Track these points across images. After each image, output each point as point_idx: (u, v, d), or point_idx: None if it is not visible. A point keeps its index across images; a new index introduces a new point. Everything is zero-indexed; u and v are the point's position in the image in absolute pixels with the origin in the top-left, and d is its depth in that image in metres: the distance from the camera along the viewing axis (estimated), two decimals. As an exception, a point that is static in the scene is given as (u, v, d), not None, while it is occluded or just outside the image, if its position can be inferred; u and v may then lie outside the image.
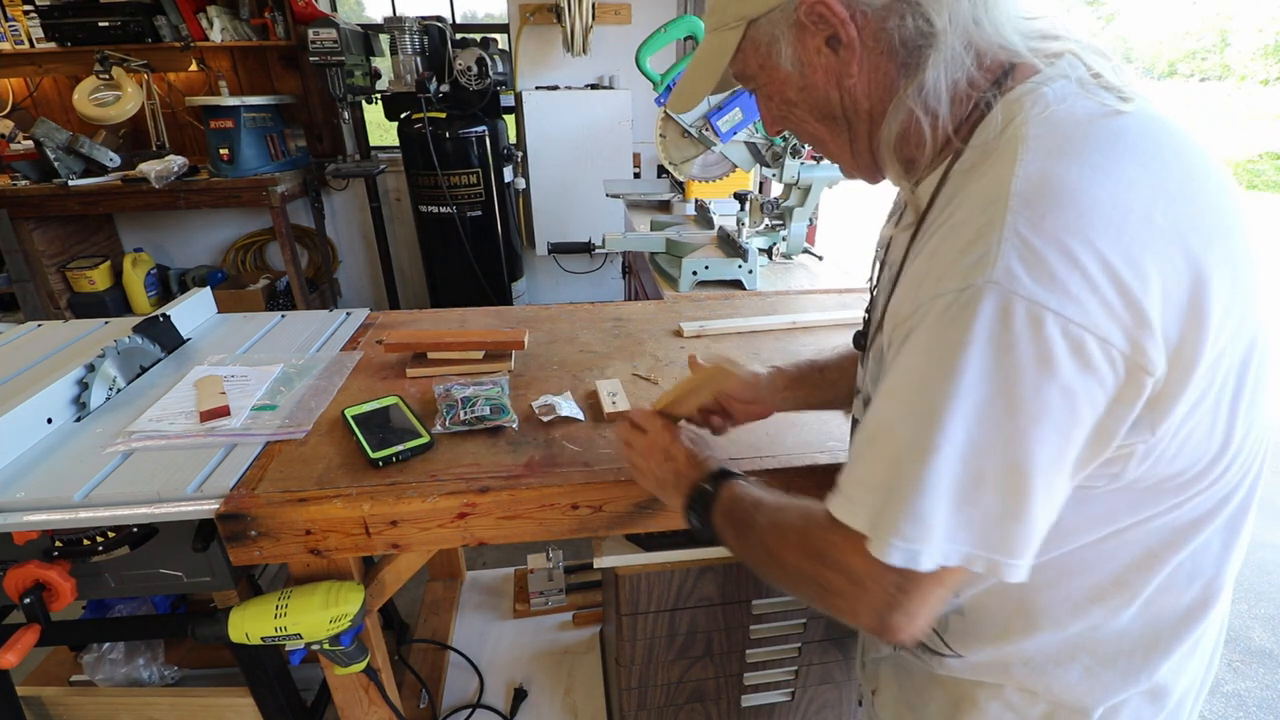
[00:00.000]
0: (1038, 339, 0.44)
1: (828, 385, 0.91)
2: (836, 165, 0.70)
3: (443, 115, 3.23)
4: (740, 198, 1.91)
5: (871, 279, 0.75)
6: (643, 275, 2.27)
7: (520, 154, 3.62)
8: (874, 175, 0.67)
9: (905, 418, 0.50)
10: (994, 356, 0.45)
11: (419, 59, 3.22)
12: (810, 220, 1.95)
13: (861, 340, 0.75)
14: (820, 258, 1.94)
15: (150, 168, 3.09)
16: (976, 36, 0.53)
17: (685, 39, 1.91)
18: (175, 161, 3.17)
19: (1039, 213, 0.45)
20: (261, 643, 0.90)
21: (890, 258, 0.67)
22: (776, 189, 1.98)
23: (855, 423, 0.80)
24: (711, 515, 0.72)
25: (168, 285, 3.73)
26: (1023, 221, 0.45)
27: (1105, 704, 0.64)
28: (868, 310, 0.76)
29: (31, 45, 3.28)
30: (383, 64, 3.48)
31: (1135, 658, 0.62)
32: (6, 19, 3.22)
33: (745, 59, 0.63)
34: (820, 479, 0.94)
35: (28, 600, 0.84)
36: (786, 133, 1.74)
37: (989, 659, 0.66)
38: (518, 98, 3.51)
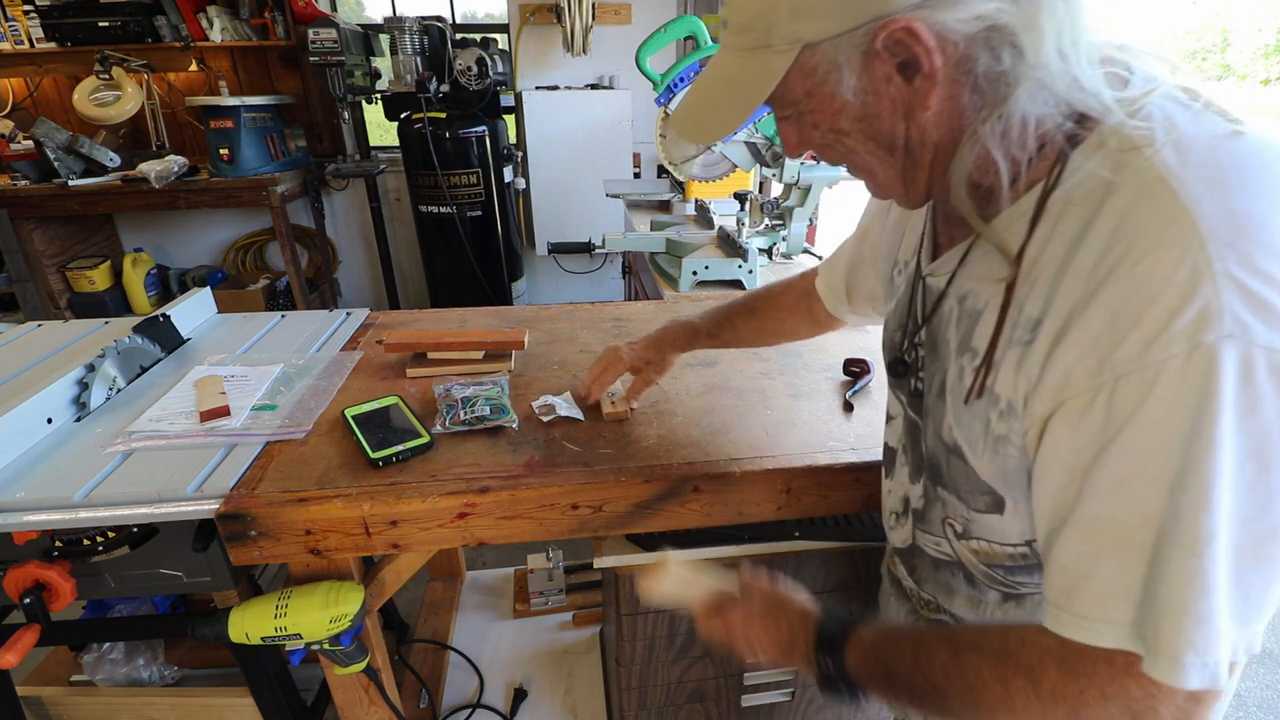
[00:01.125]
0: None
1: (720, 343, 1.06)
2: (872, 187, 0.63)
3: (443, 115, 3.23)
4: (740, 198, 1.91)
5: (916, 307, 0.69)
6: (643, 275, 2.27)
7: (520, 154, 3.62)
8: (919, 203, 0.62)
9: (1161, 509, 0.44)
10: (1241, 417, 0.41)
11: (419, 59, 3.22)
12: (810, 220, 1.94)
13: (901, 367, 0.71)
14: (820, 258, 1.94)
15: (150, 168, 3.09)
16: (1060, 72, 0.48)
17: (685, 39, 1.91)
18: (175, 161, 3.17)
19: (1245, 253, 0.42)
20: (261, 643, 0.90)
21: (960, 289, 0.61)
22: (776, 189, 1.98)
23: (890, 450, 0.77)
24: (858, 687, 0.63)
25: (168, 285, 3.73)
26: (1233, 264, 0.41)
27: None
28: (916, 342, 0.69)
29: (31, 45, 3.28)
30: (383, 64, 3.48)
31: None
32: (6, 19, 3.22)
33: (789, 85, 0.55)
34: (821, 478, 0.94)
35: (28, 600, 0.84)
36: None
37: None
38: (518, 98, 3.51)
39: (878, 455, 0.87)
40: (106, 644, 1.23)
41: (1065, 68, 0.48)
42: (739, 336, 1.04)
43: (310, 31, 3.09)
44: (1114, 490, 0.46)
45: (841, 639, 0.63)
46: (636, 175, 3.82)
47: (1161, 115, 0.48)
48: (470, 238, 3.46)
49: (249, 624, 0.89)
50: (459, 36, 3.34)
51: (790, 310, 1.03)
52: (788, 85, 0.55)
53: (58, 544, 0.87)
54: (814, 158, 1.78)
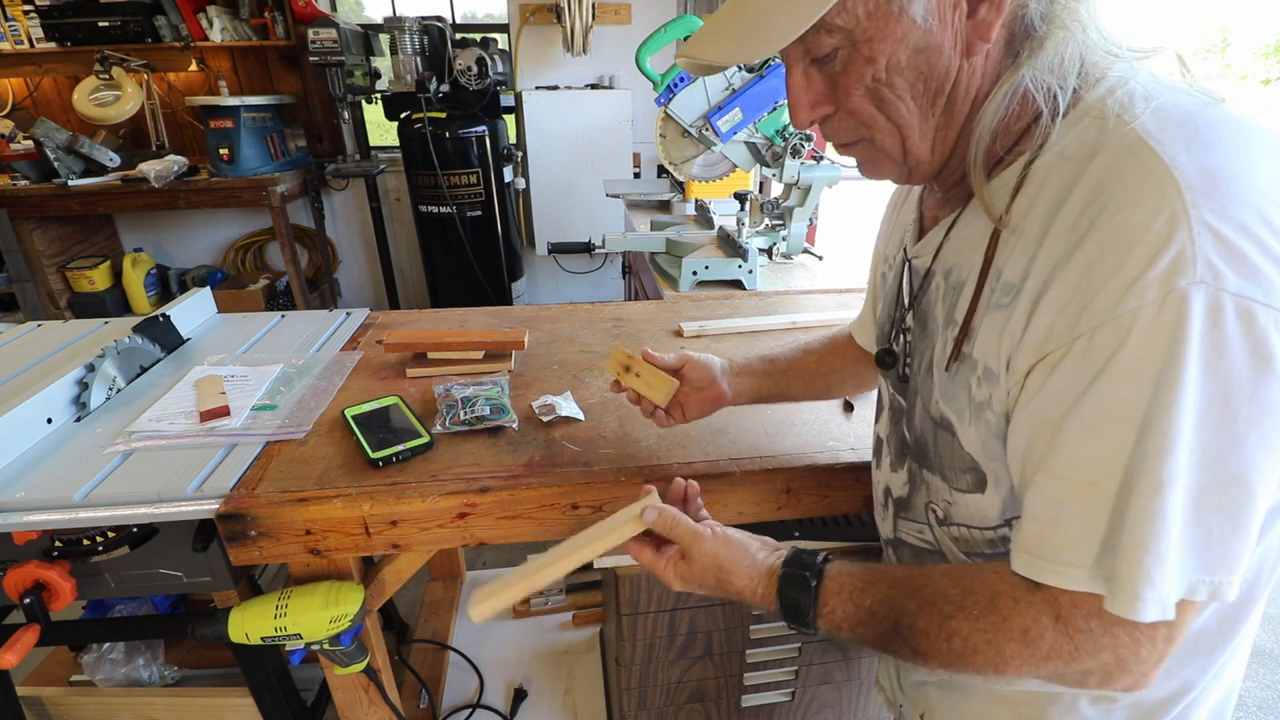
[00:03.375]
0: (1251, 336, 0.42)
1: (778, 376, 0.93)
2: (878, 158, 0.59)
3: (443, 115, 3.23)
4: (740, 198, 1.91)
5: (903, 291, 0.69)
6: (643, 275, 2.27)
7: (520, 154, 3.62)
8: (933, 172, 0.59)
9: (1128, 454, 0.45)
10: (1208, 362, 0.42)
11: (419, 59, 3.22)
12: (810, 220, 1.94)
13: (889, 358, 0.70)
14: (820, 258, 1.94)
15: (150, 168, 3.09)
16: (1080, 30, 0.50)
17: (685, 39, 1.91)
18: (175, 161, 3.17)
19: (1220, 203, 0.42)
20: (261, 643, 0.90)
21: (945, 263, 0.61)
22: (776, 189, 1.98)
23: (877, 441, 0.78)
24: (819, 627, 0.61)
25: (168, 285, 3.73)
26: (1208, 213, 0.42)
27: (1184, 700, 0.62)
28: (899, 323, 0.69)
29: (31, 45, 3.28)
30: (383, 64, 3.48)
31: (1215, 650, 0.60)
32: (6, 19, 3.22)
33: (849, 2, 0.49)
34: (821, 478, 0.94)
35: (28, 600, 0.84)
36: (789, 131, 1.75)
37: None
38: (518, 98, 3.51)
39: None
40: (106, 644, 1.23)
41: (1084, 28, 0.50)
42: (799, 371, 0.95)
43: (310, 31, 3.09)
44: (1086, 436, 0.47)
45: (812, 613, 0.60)
46: (636, 175, 3.82)
47: (1142, 90, 0.49)
48: (470, 238, 3.46)
49: (249, 624, 0.89)
50: (459, 36, 3.34)
51: (848, 345, 0.96)
52: (847, 2, 0.49)
53: (58, 544, 0.87)
54: (815, 156, 1.78)
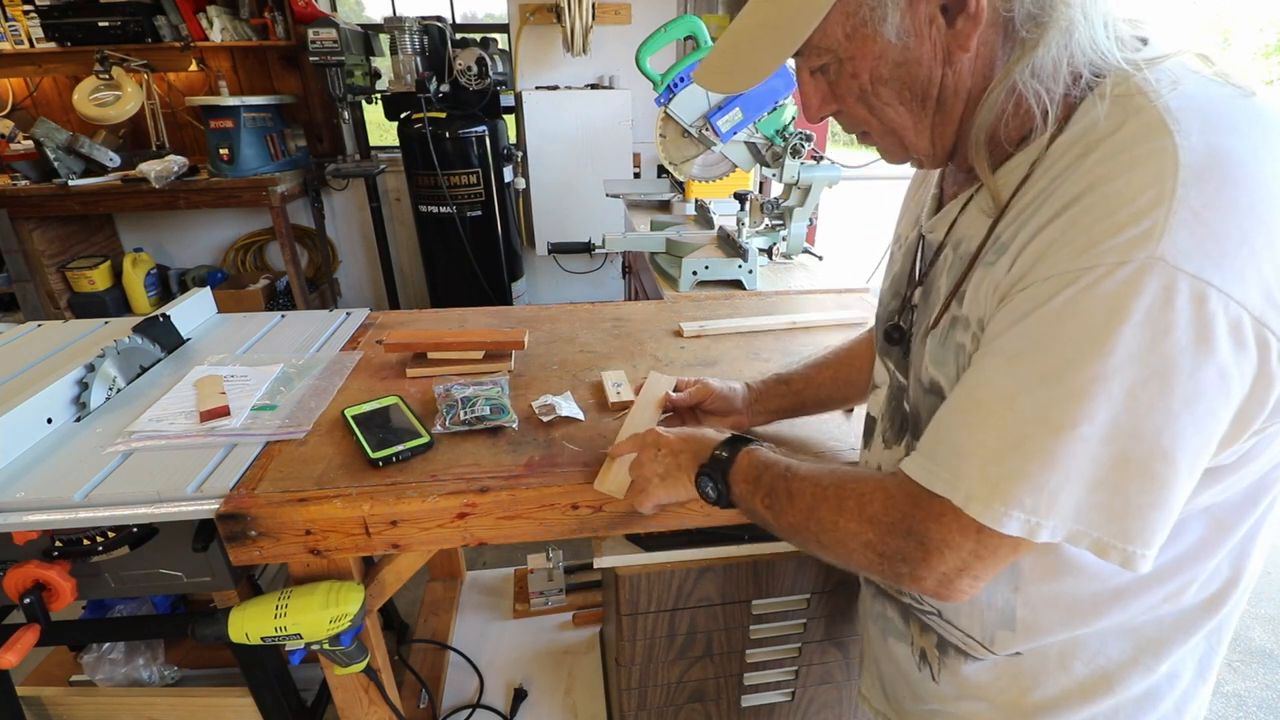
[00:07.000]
0: (1199, 318, 0.43)
1: (793, 395, 0.98)
2: (888, 150, 0.63)
3: (443, 115, 3.23)
4: (740, 198, 1.91)
5: (918, 263, 0.70)
6: (643, 275, 2.27)
7: (520, 154, 3.62)
8: (942, 161, 0.62)
9: (1034, 388, 0.47)
10: (1152, 337, 0.43)
11: (419, 59, 3.22)
12: (810, 220, 1.94)
13: (897, 333, 0.71)
14: (820, 258, 1.94)
15: (150, 168, 3.09)
16: (1083, 27, 0.50)
17: (685, 39, 1.91)
18: (175, 161, 3.17)
19: (1213, 187, 0.43)
20: (261, 643, 0.90)
21: (956, 236, 0.63)
22: (776, 189, 1.98)
23: (872, 420, 0.78)
24: (730, 481, 0.71)
25: (168, 285, 3.73)
26: (1195, 195, 0.43)
27: (1170, 696, 0.64)
28: (908, 300, 0.70)
29: (31, 45, 3.28)
30: (383, 64, 3.49)
31: (1193, 627, 0.61)
32: (6, 19, 3.22)
33: (829, 27, 0.53)
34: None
35: (28, 600, 0.84)
36: (789, 131, 1.75)
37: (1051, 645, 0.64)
38: (518, 98, 3.51)
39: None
40: (106, 644, 1.23)
41: (1086, 25, 0.50)
42: (814, 384, 0.97)
43: (310, 31, 3.09)
44: (985, 366, 0.51)
45: (729, 463, 0.72)
46: (636, 175, 3.82)
47: (1169, 76, 0.49)
48: (470, 238, 3.46)
49: (249, 624, 0.89)
50: (459, 36, 3.34)
51: (865, 357, 0.96)
52: (827, 28, 0.54)
53: (58, 544, 0.87)
54: (815, 156, 1.78)
